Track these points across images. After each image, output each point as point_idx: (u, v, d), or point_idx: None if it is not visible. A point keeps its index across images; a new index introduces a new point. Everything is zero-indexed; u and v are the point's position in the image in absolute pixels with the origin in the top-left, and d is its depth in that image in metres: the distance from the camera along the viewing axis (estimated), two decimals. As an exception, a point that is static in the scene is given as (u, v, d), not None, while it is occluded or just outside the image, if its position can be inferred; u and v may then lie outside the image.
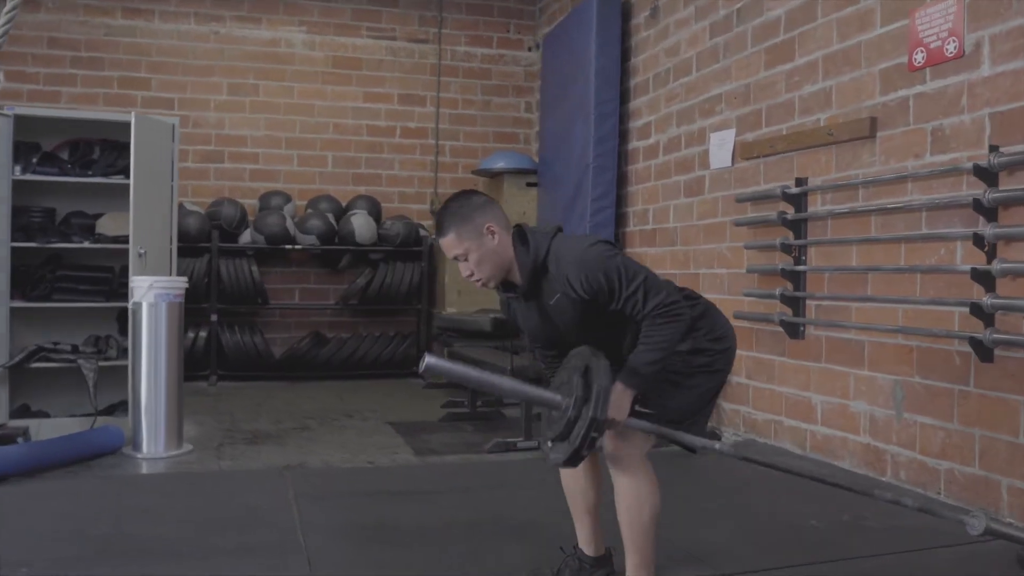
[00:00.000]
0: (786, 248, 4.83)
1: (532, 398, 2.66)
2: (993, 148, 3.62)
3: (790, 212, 4.82)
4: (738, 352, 5.01)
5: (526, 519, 3.70)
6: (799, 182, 4.79)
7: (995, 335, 3.59)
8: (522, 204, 7.72)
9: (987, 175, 3.62)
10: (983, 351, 3.66)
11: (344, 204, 7.87)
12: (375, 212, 7.81)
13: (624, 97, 6.69)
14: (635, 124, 6.63)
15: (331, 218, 7.59)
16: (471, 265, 2.65)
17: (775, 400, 5.05)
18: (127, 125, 5.31)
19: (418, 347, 7.86)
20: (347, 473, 4.54)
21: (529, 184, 7.73)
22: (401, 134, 8.29)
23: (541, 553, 3.17)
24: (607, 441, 2.67)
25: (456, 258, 2.66)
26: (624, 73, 6.68)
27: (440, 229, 2.66)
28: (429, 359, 2.53)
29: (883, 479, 4.23)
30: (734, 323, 4.93)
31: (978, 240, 3.64)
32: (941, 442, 3.91)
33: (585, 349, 2.61)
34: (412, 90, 8.32)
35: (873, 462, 4.31)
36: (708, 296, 5.20)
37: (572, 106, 6.91)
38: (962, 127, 3.83)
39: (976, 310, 3.64)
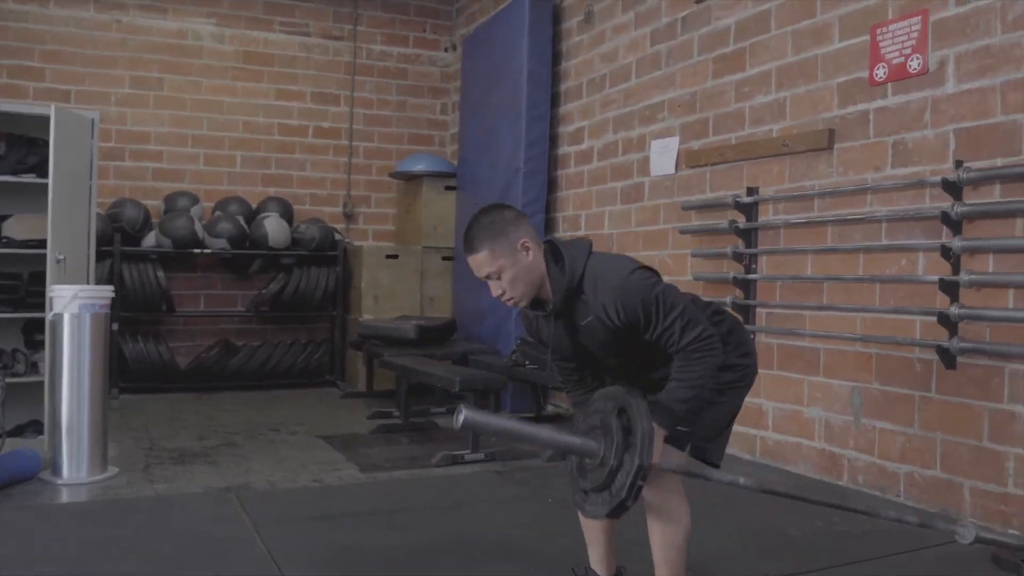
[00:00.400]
0: (737, 256, 4.89)
1: (569, 447, 2.48)
2: (959, 163, 3.74)
3: (742, 221, 4.87)
4: None
5: (506, 537, 3.59)
6: (751, 191, 4.85)
7: (961, 343, 3.72)
8: (441, 208, 7.57)
9: (954, 189, 3.74)
10: (948, 358, 3.78)
11: (254, 206, 7.49)
12: (287, 215, 7.48)
13: (554, 101, 6.64)
14: (566, 129, 6.59)
15: (242, 221, 7.20)
16: (504, 284, 2.50)
17: (722, 406, 5.08)
18: (37, 119, 4.87)
19: (332, 355, 7.59)
20: (297, 494, 4.28)
21: (448, 187, 7.58)
22: (314, 134, 7.98)
23: (536, 574, 3.06)
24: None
25: (488, 276, 2.50)
26: (554, 77, 6.63)
27: (471, 246, 2.49)
28: (467, 414, 2.27)
29: (839, 483, 4.33)
30: None
31: (945, 252, 3.75)
32: (901, 446, 4.02)
33: (617, 389, 2.46)
34: (326, 88, 8.02)
35: (829, 467, 4.40)
36: None
37: (499, 109, 6.82)
38: (925, 142, 3.94)
39: (943, 319, 3.75)
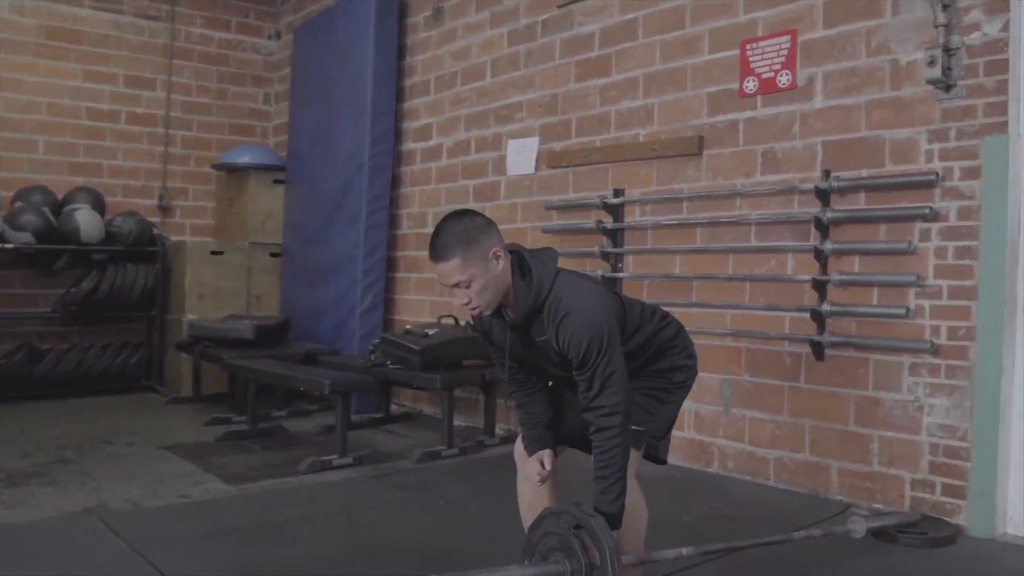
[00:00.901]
0: (605, 256, 5.05)
1: None
2: (827, 173, 4.09)
3: (609, 221, 5.03)
4: None
5: (411, 543, 3.55)
6: (617, 192, 5.02)
7: (832, 337, 4.07)
8: (268, 202, 7.22)
9: (824, 196, 4.08)
10: (818, 351, 4.13)
11: (61, 197, 6.75)
12: (99, 207, 6.81)
13: (398, 96, 6.53)
14: (412, 125, 6.50)
15: (48, 212, 6.48)
16: (472, 292, 2.45)
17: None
18: None
19: (151, 357, 7.01)
20: (168, 512, 3.92)
21: (276, 181, 7.24)
22: (127, 120, 7.32)
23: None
24: None
25: (457, 285, 2.44)
26: (399, 72, 6.52)
27: (441, 253, 2.42)
28: None
29: (709, 470, 4.59)
30: None
31: (817, 253, 4.09)
32: (771, 433, 4.33)
33: (568, 506, 2.44)
34: (141, 72, 7.38)
35: (699, 455, 4.65)
36: None
37: (338, 102, 6.60)
38: (794, 152, 4.27)
39: (815, 315, 4.09)
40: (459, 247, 2.41)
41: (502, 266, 2.49)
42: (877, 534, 3.57)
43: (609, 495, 2.46)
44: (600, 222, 5.04)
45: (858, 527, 3.42)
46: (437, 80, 6.30)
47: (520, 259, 2.57)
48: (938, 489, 3.77)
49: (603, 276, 5.01)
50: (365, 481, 4.53)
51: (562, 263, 4.96)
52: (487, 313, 2.53)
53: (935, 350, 3.76)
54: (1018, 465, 3.58)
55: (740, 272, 4.47)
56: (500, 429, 5.47)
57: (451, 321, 5.58)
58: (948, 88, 3.71)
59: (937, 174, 3.73)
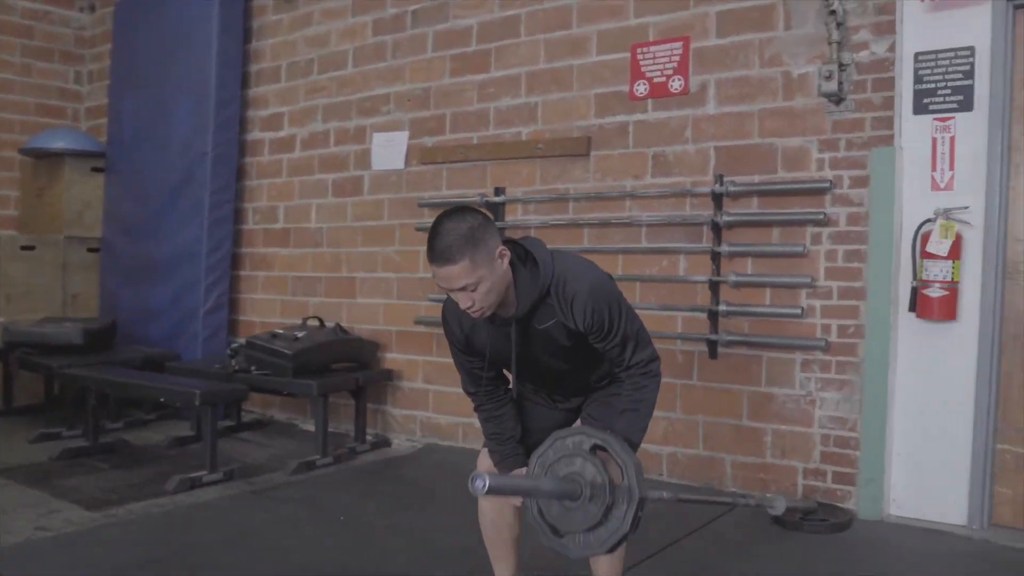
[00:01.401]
0: (486, 254, 4.96)
1: (563, 493, 2.36)
2: (719, 177, 4.24)
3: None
4: (417, 357, 5.07)
5: (342, 568, 3.31)
6: (498, 191, 4.95)
7: (728, 336, 4.22)
8: (86, 192, 6.51)
9: (719, 200, 4.23)
10: (712, 349, 4.27)
11: None
12: None
13: (243, 82, 6.09)
14: (259, 113, 6.09)
15: None
16: (477, 295, 2.30)
17: (463, 403, 5.09)
18: None
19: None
20: (32, 551, 3.38)
21: (95, 169, 6.54)
22: (-89, 93, 6.34)
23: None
24: None
25: (464, 288, 2.28)
26: (244, 56, 6.08)
27: (447, 256, 2.23)
28: (489, 480, 2.03)
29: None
30: (413, 328, 4.95)
31: (713, 255, 4.23)
32: (663, 430, 4.44)
33: (585, 427, 2.40)
34: (-75, 38, 6.41)
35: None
36: (372, 301, 5.09)
37: (174, 86, 6.05)
38: (686, 156, 4.39)
39: (711, 315, 4.23)
40: (467, 249, 2.25)
41: (506, 264, 2.36)
42: (782, 522, 3.76)
43: (635, 425, 2.45)
44: (481, 221, 4.94)
45: (779, 504, 3.61)
46: (290, 67, 5.93)
47: (519, 248, 2.46)
48: (829, 477, 4.02)
49: (485, 276, 4.93)
50: (246, 498, 4.19)
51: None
52: (488, 314, 2.40)
53: (827, 347, 4.00)
54: (900, 453, 3.87)
55: (630, 273, 4.53)
56: (369, 434, 5.26)
57: (316, 323, 5.29)
58: (839, 101, 3.95)
59: (830, 182, 3.97)
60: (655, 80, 4.47)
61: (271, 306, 5.98)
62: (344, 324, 5.40)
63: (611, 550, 2.30)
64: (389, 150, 5.42)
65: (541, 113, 4.86)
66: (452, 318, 2.57)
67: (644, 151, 4.52)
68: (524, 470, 2.61)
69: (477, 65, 5.08)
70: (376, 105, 5.50)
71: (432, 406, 5.27)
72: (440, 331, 4.99)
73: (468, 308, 2.34)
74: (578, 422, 2.73)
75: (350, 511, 3.97)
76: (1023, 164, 3.69)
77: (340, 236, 5.66)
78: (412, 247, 5.31)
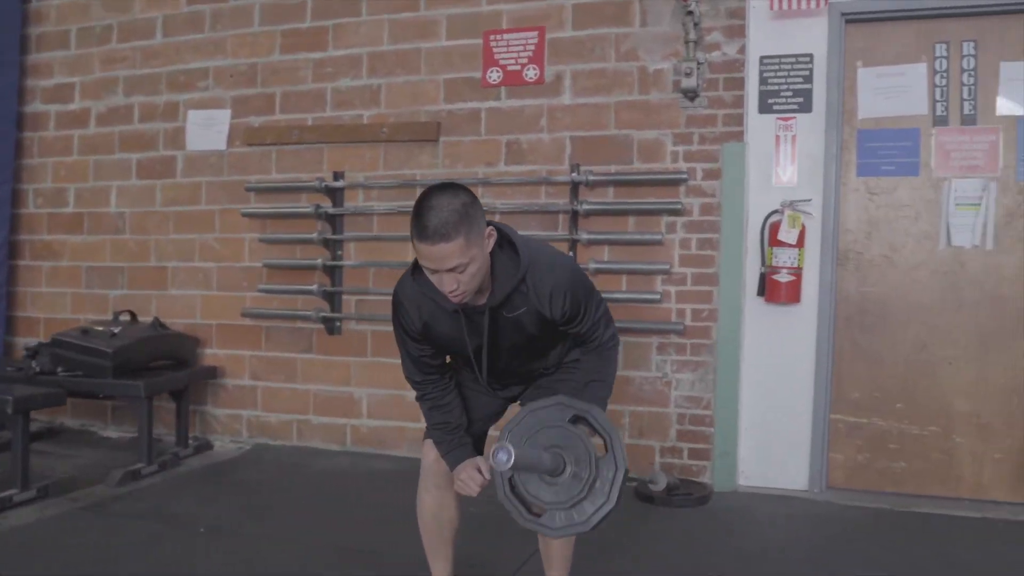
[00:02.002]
0: (326, 242, 4.72)
1: (544, 467, 2.26)
2: (575, 166, 4.32)
3: (328, 205, 4.72)
4: (243, 353, 4.77)
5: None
6: (338, 175, 4.73)
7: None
8: None
9: (575, 189, 4.32)
10: (570, 335, 4.34)
11: None
12: None
13: (22, 47, 5.35)
14: (41, 83, 5.37)
15: None
16: (465, 277, 2.18)
17: (298, 399, 4.85)
18: None
19: None
20: None
21: None
22: None
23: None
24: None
25: (453, 269, 2.14)
26: (22, 17, 5.34)
27: (442, 233, 2.08)
28: (515, 453, 1.90)
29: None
30: (238, 322, 4.67)
31: (572, 243, 4.31)
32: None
33: (560, 398, 2.25)
34: None
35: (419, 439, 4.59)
36: (187, 293, 4.78)
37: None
38: (541, 144, 4.43)
39: (571, 301, 4.30)
40: (462, 226, 2.11)
41: (492, 246, 2.26)
42: (651, 499, 3.92)
43: (599, 392, 2.44)
44: (319, 206, 4.70)
45: (660, 481, 3.76)
46: (81, 33, 5.28)
47: (505, 238, 2.35)
48: (685, 454, 4.23)
49: (324, 264, 4.69)
50: (77, 516, 3.68)
51: (265, 252, 4.62)
52: (467, 299, 2.27)
53: (683, 331, 4.20)
54: (748, 428, 4.16)
55: (484, 260, 4.50)
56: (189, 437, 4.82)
57: (128, 317, 4.77)
58: (693, 97, 4.17)
59: (685, 174, 4.18)
60: (509, 68, 4.48)
61: (59, 300, 5.30)
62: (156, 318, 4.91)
63: (597, 525, 2.27)
64: (208, 129, 5.00)
65: (385, 96, 4.69)
66: (410, 304, 2.40)
67: (498, 138, 4.51)
68: (471, 459, 2.52)
69: (312, 43, 4.81)
70: (192, 80, 5.05)
71: (261, 404, 4.93)
72: (270, 324, 4.79)
73: (452, 291, 2.20)
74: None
75: (206, 521, 3.62)
76: (852, 162, 4.10)
77: (147, 222, 5.13)
78: (235, 234, 4.93)
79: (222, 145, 4.97)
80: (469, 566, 2.87)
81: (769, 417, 4.13)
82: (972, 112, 3.97)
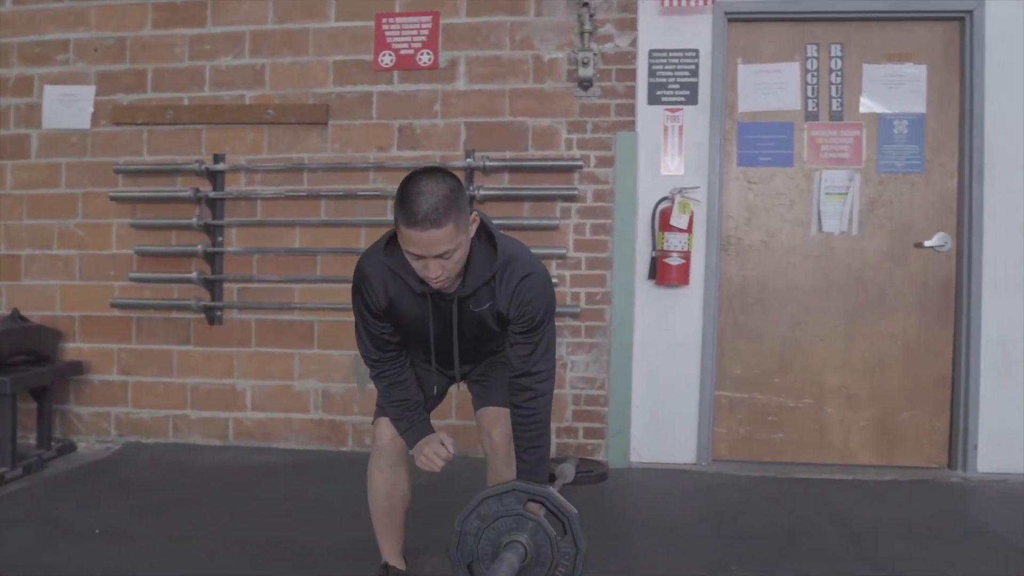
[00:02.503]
0: (206, 228, 4.50)
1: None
2: (469, 152, 4.35)
3: (208, 189, 4.50)
4: (110, 346, 4.56)
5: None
6: (218, 158, 4.53)
7: (483, 306, 4.34)
8: None
9: (471, 174, 4.34)
10: (467, 320, 4.36)
11: None
12: None
13: None
14: None
15: None
16: (450, 263, 2.17)
17: (175, 394, 4.60)
18: None
19: None
20: None
21: None
22: None
23: None
24: (503, 437, 2.58)
25: (441, 255, 2.13)
26: None
27: (433, 219, 2.07)
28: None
29: (343, 449, 4.47)
30: (106, 313, 4.46)
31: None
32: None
33: (515, 483, 2.35)
34: None
35: (329, 436, 4.49)
36: (46, 283, 4.51)
37: None
38: (435, 130, 4.42)
39: (469, 286, 4.32)
40: (452, 212, 2.09)
41: (474, 231, 2.26)
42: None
43: (543, 463, 2.46)
44: (198, 190, 4.47)
45: (568, 474, 3.82)
46: (-86, -5, 4.78)
47: (485, 228, 2.35)
48: (581, 434, 4.34)
49: (204, 251, 4.47)
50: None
51: (137, 238, 4.38)
52: (445, 286, 2.25)
53: (577, 314, 4.31)
54: (640, 405, 4.33)
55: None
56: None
57: (-20, 308, 4.36)
58: (587, 87, 4.29)
59: (581, 161, 4.29)
60: (402, 52, 4.44)
61: None
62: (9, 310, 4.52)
63: None
64: (68, 107, 4.64)
65: (270, 77, 4.53)
66: (377, 282, 2.36)
67: (390, 123, 4.46)
68: (433, 435, 2.50)
69: (189, 18, 4.57)
70: (49, 53, 4.67)
71: (132, 400, 4.63)
72: (142, 315, 4.53)
73: (436, 277, 2.18)
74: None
75: (94, 523, 3.36)
76: (734, 153, 4.35)
77: (-3, 206, 4.72)
78: (102, 219, 4.61)
79: (85, 124, 4.64)
80: (413, 550, 2.83)
81: (659, 395, 4.31)
82: (839, 109, 4.32)
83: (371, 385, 4.36)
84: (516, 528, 2.30)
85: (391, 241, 2.32)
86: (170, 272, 4.52)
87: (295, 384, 4.52)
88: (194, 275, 4.46)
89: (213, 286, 4.53)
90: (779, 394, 4.34)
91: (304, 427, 4.51)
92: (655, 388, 4.31)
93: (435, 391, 2.67)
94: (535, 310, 2.34)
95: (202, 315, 4.53)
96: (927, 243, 4.24)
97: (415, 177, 2.14)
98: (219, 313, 4.55)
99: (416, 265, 2.18)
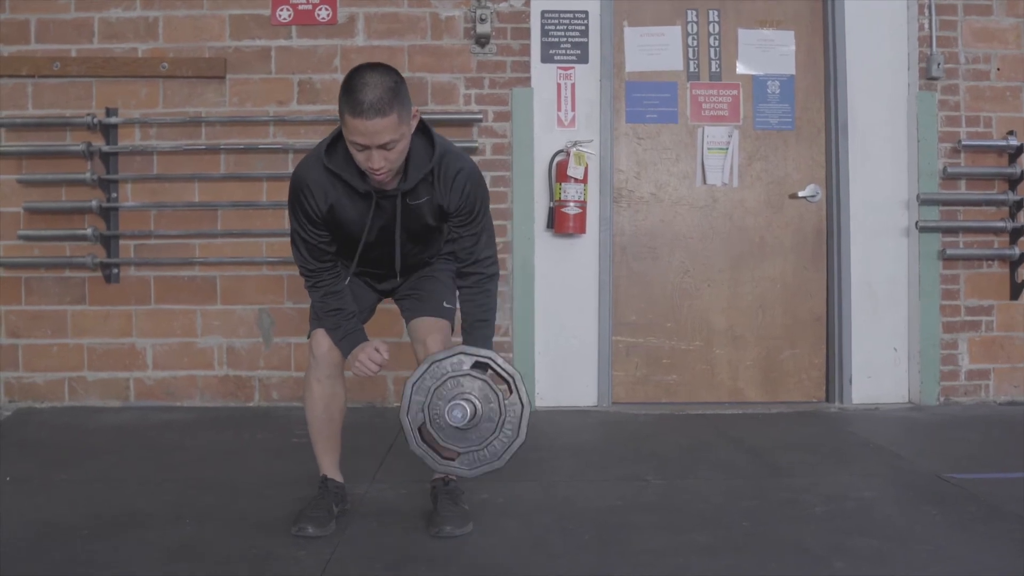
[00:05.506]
0: (101, 183, 4.40)
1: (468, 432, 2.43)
2: (372, 106, 4.43)
3: (102, 144, 4.41)
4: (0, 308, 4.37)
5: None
6: (111, 112, 4.43)
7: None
8: None
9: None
10: (372, 272, 4.44)
11: None
12: None
13: None
14: None
15: None
16: (393, 155, 2.29)
17: (70, 355, 4.46)
18: None
19: None
20: None
21: None
22: None
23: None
24: (438, 344, 2.68)
25: (384, 146, 2.23)
26: None
27: (378, 108, 2.17)
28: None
29: (250, 404, 4.46)
30: None
31: (373, 180, 4.40)
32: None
33: (464, 347, 2.44)
34: None
35: (235, 391, 4.47)
36: None
37: None
38: (335, 84, 4.31)
39: (374, 237, 4.40)
40: (396, 103, 2.21)
41: (415, 126, 2.37)
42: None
43: (489, 340, 2.61)
44: (90, 144, 4.37)
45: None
46: None
47: (423, 124, 2.46)
48: (486, 379, 4.49)
49: (98, 206, 4.37)
50: None
51: (26, 194, 4.24)
52: (388, 180, 2.36)
53: (480, 263, 4.46)
54: (542, 351, 4.52)
55: (278, 200, 4.45)
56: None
57: None
58: (484, 44, 4.45)
59: (480, 115, 4.44)
60: (300, 7, 4.47)
61: None
62: None
63: (508, 461, 2.42)
64: (-58, 58, 4.44)
65: (164, 30, 4.47)
66: (316, 188, 2.44)
67: (289, 77, 4.48)
68: (367, 342, 2.59)
69: (77, -32, 4.46)
70: (-81, 1, 4.46)
71: (23, 364, 4.46)
72: (32, 274, 4.42)
73: (379, 169, 2.28)
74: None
75: (6, 473, 3.28)
76: (623, 110, 4.60)
77: None
78: (-21, 175, 4.44)
79: (-39, 76, 4.45)
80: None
81: (560, 342, 4.51)
82: (718, 70, 4.63)
83: (277, 339, 4.41)
84: (464, 388, 2.39)
85: (331, 145, 2.41)
86: (62, 229, 4.39)
87: (198, 341, 4.48)
88: (88, 231, 4.35)
89: (109, 243, 4.43)
90: (671, 338, 4.62)
91: (209, 384, 4.48)
92: (556, 335, 4.51)
93: (364, 306, 2.75)
94: (472, 200, 2.48)
95: (98, 273, 4.43)
96: (800, 194, 4.61)
97: (360, 69, 2.25)
98: (115, 271, 4.46)
99: (359, 157, 2.28)
